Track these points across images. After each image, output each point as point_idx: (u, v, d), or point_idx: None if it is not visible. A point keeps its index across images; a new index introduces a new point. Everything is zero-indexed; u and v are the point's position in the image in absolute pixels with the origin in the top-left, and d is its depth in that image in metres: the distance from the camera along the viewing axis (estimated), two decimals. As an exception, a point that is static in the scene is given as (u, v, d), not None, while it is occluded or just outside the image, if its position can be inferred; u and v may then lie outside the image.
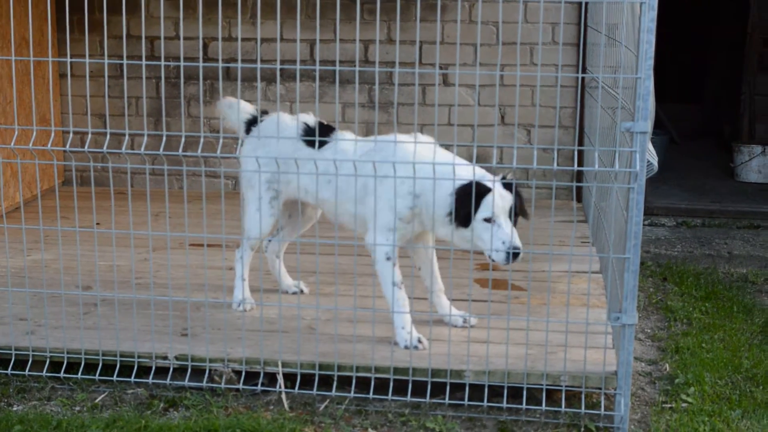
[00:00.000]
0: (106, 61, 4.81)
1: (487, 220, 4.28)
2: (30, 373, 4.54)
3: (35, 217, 5.55)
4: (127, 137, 4.92)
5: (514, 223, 4.34)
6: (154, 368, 4.48)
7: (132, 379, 4.46)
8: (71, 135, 4.72)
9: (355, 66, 7.46)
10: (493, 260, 4.33)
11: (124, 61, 4.54)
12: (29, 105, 7.12)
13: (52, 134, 4.72)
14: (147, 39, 7.89)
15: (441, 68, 7.63)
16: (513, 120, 7.52)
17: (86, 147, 4.41)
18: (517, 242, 4.26)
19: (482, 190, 4.26)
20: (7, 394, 4.48)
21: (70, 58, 4.92)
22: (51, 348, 4.55)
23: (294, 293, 5.22)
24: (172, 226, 5.65)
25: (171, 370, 4.47)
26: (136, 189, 7.37)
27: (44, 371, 4.53)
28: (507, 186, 4.34)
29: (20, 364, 4.56)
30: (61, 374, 4.51)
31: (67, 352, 4.53)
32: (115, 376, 4.48)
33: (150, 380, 4.46)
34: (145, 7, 7.78)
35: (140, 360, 4.49)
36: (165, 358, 4.49)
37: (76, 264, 4.79)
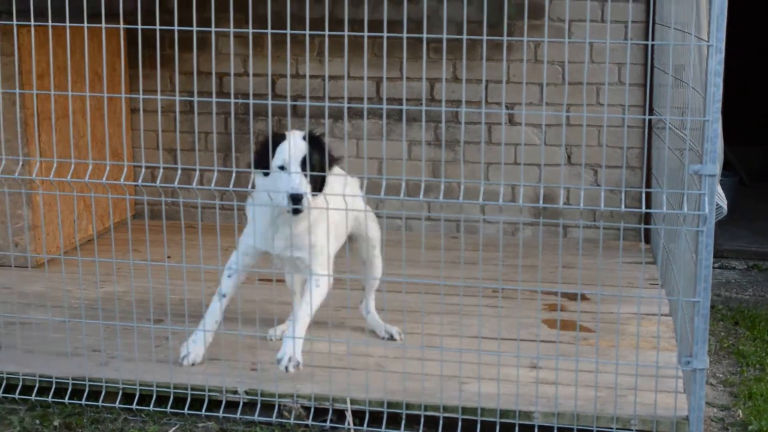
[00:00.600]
0: (177, 98, 4.91)
1: (281, 168, 4.43)
2: (103, 404, 4.61)
3: (108, 249, 5.65)
4: (197, 172, 5.00)
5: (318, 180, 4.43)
6: (224, 402, 4.52)
7: (203, 412, 4.51)
8: (143, 170, 4.82)
9: (421, 104, 7.52)
10: (287, 209, 4.44)
11: (195, 98, 4.62)
12: (102, 140, 7.27)
13: (125, 169, 4.80)
14: (216, 75, 7.99)
15: (507, 107, 7.65)
16: (580, 160, 7.50)
17: (158, 182, 4.48)
18: (301, 188, 4.33)
19: (277, 140, 4.48)
20: (81, 424, 4.56)
21: (142, 93, 5.04)
22: (124, 380, 4.62)
23: (383, 338, 5.17)
24: (240, 260, 5.69)
25: (241, 404, 4.51)
26: (205, 223, 7.44)
27: (117, 402, 4.61)
28: (313, 140, 4.46)
29: (94, 394, 4.64)
30: (134, 406, 4.58)
31: (140, 384, 4.59)
32: (186, 409, 4.53)
33: (220, 414, 4.50)
34: (215, 44, 7.90)
35: (210, 394, 4.54)
36: (235, 392, 4.53)
37: (147, 297, 4.87)
